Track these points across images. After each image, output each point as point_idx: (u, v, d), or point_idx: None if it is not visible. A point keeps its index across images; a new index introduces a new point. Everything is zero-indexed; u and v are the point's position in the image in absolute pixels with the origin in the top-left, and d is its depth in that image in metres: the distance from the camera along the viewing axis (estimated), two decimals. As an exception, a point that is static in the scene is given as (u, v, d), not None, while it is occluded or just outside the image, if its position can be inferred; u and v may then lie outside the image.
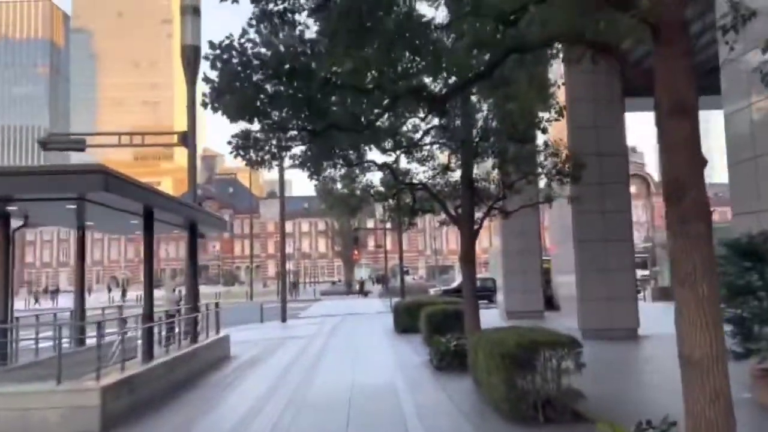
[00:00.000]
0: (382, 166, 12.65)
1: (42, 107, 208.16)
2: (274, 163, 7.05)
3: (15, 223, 9.93)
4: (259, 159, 6.60)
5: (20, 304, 52.81)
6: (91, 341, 9.84)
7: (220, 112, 5.11)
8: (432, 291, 37.12)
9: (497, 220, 22.40)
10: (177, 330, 12.87)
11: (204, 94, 5.20)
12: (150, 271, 9.88)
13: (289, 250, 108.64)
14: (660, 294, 31.62)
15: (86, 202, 8.30)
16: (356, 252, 70.36)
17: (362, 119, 6.08)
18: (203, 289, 65.70)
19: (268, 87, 5.19)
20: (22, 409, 7.01)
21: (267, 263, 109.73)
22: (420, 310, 16.78)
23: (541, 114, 10.73)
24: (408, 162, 13.33)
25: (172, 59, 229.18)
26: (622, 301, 15.90)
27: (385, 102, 5.57)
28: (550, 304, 25.19)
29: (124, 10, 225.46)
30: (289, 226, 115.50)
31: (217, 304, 15.27)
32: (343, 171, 12.83)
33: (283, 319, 24.32)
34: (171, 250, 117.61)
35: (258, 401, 8.98)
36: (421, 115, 10.48)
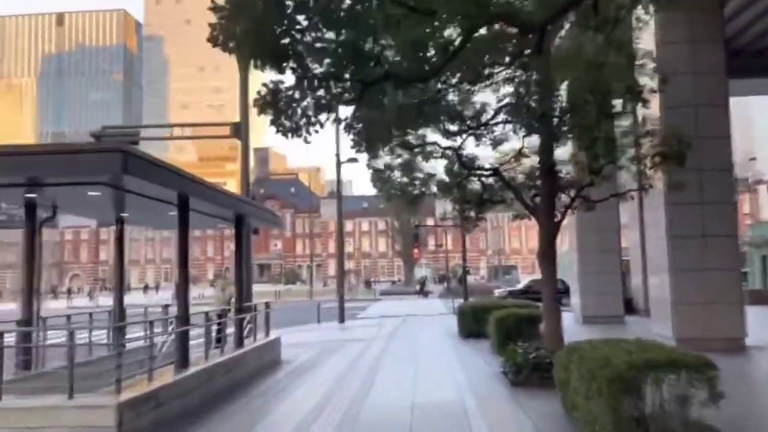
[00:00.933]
0: (447, 150, 11.14)
1: (116, 113, 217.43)
2: (312, 130, 5.61)
3: (42, 214, 9.07)
4: (292, 125, 5.25)
5: (82, 301, 54.24)
6: (131, 344, 8.81)
7: (231, 53, 3.79)
8: (496, 292, 35.15)
9: (570, 215, 20.49)
10: (220, 333, 11.88)
11: (211, 26, 3.90)
12: (185, 269, 8.78)
13: (349, 249, 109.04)
14: (753, 298, 28.49)
15: (110, 187, 7.26)
16: (416, 251, 68.92)
17: (425, 66, 4.61)
18: (263, 287, 66.14)
19: (300, 18, 3.82)
20: (24, 428, 5.99)
21: (328, 262, 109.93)
22: (487, 314, 15.15)
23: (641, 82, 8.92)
24: (476, 145, 11.76)
25: (234, 63, 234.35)
26: (725, 306, 13.72)
27: (458, 37, 4.10)
28: (629, 307, 22.97)
29: (192, 17, 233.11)
30: (349, 226, 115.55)
31: (267, 304, 14.18)
32: (400, 159, 11.42)
33: (341, 320, 23.18)
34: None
35: (305, 418, 7.68)
36: (500, 73, 8.90)
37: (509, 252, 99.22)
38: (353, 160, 23.69)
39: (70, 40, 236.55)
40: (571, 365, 6.58)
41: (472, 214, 12.67)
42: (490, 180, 11.49)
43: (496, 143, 11.64)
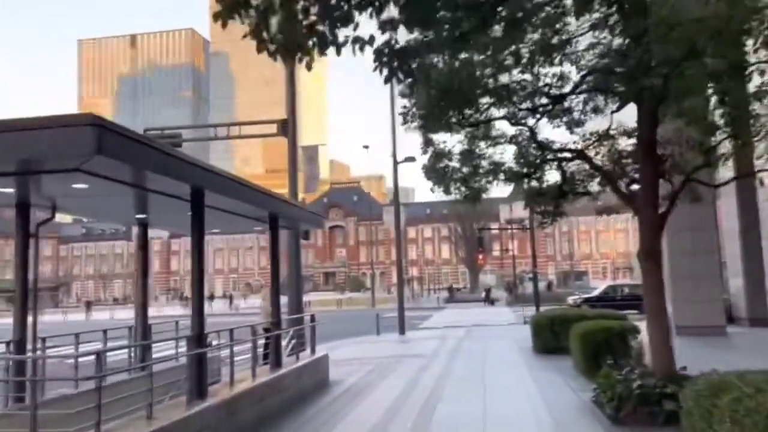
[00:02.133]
0: (519, 127, 9.17)
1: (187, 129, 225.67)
2: (318, 46, 3.58)
3: (41, 216, 7.79)
4: (286, 38, 3.42)
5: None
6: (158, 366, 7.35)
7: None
8: (570, 299, 32.37)
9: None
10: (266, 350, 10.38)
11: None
12: (200, 278, 7.24)
13: (412, 256, 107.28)
14: None
15: (91, 176, 5.77)
16: (481, 257, 66.42)
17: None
18: (326, 296, 65.33)
19: None
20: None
21: (391, 269, 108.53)
22: (568, 326, 13.02)
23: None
24: (553, 127, 9.71)
25: (298, 75, 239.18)
26: None
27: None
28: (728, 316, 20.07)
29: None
30: (411, 232, 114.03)
31: (312, 317, 12.56)
32: (459, 144, 9.53)
33: (401, 332, 21.38)
34: (309, 257, 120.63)
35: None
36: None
37: (579, 257, 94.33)
38: (411, 159, 21.95)
39: (143, 60, 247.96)
40: (718, 411, 4.51)
41: (549, 209, 10.61)
42: (572, 167, 9.41)
43: (575, 123, 9.59)
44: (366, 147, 41.84)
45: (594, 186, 9.92)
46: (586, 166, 9.05)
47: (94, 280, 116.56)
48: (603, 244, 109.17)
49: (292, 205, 9.53)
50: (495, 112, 9.31)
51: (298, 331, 12.07)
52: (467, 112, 8.07)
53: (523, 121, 9.36)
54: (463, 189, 9.49)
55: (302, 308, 14.52)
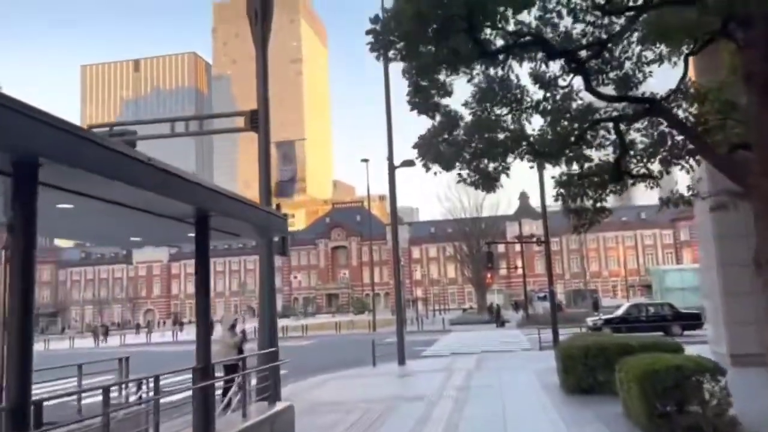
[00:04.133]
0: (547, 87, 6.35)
1: (189, 153, 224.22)
2: None
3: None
4: None
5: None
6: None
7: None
8: (589, 321, 29.27)
9: (701, 216, 14.93)
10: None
11: None
12: (206, 305, 4.42)
13: (417, 276, 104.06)
14: None
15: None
16: (489, 276, 63.23)
17: None
18: (322, 320, 62.26)
19: None
20: None
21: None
22: (607, 358, 10.13)
23: None
24: (596, 84, 6.88)
25: (302, 96, 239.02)
26: None
27: None
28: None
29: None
30: (416, 252, 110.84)
31: (274, 355, 9.61)
32: (469, 106, 6.72)
33: (400, 361, 18.35)
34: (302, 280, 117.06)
35: None
36: None
37: (589, 276, 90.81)
38: (409, 162, 19.13)
39: (146, 84, 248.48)
40: None
41: (588, 206, 7.73)
42: (634, 135, 6.55)
43: (626, 81, 6.79)
44: (365, 161, 39.07)
45: (655, 165, 7.07)
46: (654, 132, 6.16)
47: (93, 305, 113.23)
48: (611, 263, 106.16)
49: (231, 198, 6.69)
50: (515, 65, 6.52)
51: (262, 372, 9.15)
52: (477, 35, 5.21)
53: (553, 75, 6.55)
54: (472, 171, 6.61)
55: (276, 340, 11.57)
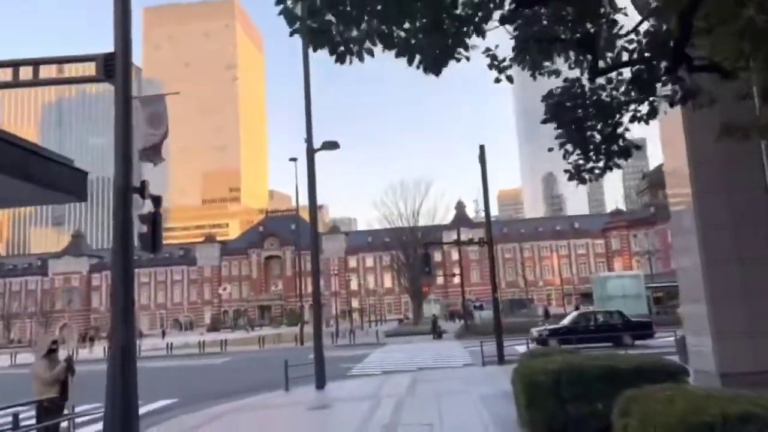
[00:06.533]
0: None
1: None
2: None
3: None
4: None
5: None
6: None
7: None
8: (534, 331, 27.08)
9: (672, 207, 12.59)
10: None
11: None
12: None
13: (353, 286, 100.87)
14: None
15: None
16: (426, 284, 61.20)
17: None
18: (238, 335, 58.02)
19: None
20: None
21: (331, 301, 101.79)
22: (590, 388, 7.25)
23: None
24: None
25: (237, 103, 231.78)
26: None
27: None
28: None
29: (191, 59, 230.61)
30: (352, 262, 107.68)
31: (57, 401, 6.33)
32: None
33: (319, 385, 15.23)
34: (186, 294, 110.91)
35: None
36: None
37: (524, 284, 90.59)
38: (332, 144, 16.18)
39: (70, 86, 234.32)
40: None
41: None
42: None
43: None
44: (294, 159, 35.76)
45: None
46: None
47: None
48: (546, 272, 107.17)
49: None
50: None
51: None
52: None
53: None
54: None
55: (132, 366, 8.30)
